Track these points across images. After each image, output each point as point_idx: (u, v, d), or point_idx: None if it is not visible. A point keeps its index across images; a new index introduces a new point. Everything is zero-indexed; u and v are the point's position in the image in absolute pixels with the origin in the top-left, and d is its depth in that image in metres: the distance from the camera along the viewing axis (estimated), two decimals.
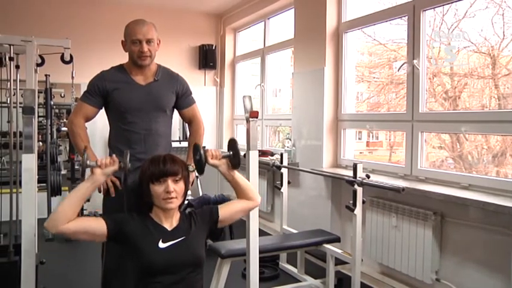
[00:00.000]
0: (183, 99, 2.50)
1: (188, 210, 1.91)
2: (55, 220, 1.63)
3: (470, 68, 3.18)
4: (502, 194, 2.60)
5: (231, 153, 1.97)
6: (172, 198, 1.73)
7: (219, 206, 1.91)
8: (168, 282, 1.71)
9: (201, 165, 1.94)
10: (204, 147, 2.07)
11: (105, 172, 1.74)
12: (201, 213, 1.89)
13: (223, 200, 4.19)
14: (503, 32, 2.90)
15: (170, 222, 1.79)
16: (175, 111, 2.55)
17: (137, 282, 1.73)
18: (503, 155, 3.07)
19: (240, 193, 1.96)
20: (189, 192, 1.90)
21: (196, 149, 1.96)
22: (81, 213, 4.77)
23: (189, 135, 2.65)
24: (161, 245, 1.73)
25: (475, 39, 3.04)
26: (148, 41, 2.30)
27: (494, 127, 2.77)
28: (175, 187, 1.74)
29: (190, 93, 2.55)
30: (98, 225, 1.70)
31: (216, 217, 1.88)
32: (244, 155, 2.29)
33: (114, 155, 1.78)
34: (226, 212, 1.91)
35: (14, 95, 3.55)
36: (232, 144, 1.99)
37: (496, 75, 3.05)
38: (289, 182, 3.78)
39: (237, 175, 1.96)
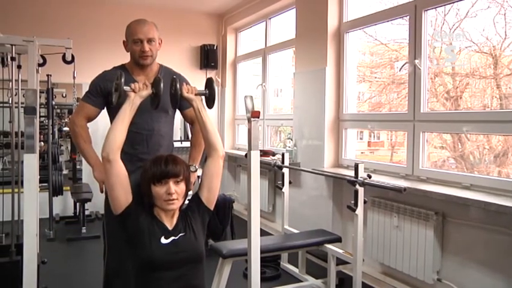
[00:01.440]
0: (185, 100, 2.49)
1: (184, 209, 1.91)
2: (110, 145, 1.73)
3: (472, 68, 3.17)
4: (504, 194, 2.60)
5: (207, 91, 2.00)
6: (173, 199, 1.73)
7: (198, 190, 1.91)
8: (168, 278, 1.72)
9: (175, 98, 1.99)
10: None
11: (140, 95, 1.84)
12: (190, 208, 1.89)
13: (225, 200, 4.19)
14: (505, 31, 2.89)
15: (171, 221, 1.80)
16: (178, 111, 2.55)
17: (138, 279, 1.73)
18: (505, 155, 3.07)
19: (205, 136, 1.94)
20: (190, 192, 1.90)
21: (172, 80, 2.01)
22: (83, 214, 4.81)
23: (192, 135, 2.64)
24: (163, 240, 1.74)
25: (476, 39, 3.04)
26: (150, 41, 2.30)
27: (495, 127, 2.77)
28: (177, 188, 1.74)
29: None
30: (129, 192, 1.75)
31: (200, 202, 1.88)
32: (246, 154, 2.29)
33: (146, 81, 1.90)
34: (204, 189, 1.89)
35: (15, 95, 3.55)
36: (209, 83, 2.01)
37: (498, 75, 3.05)
38: (290, 182, 3.78)
39: (207, 115, 1.95)
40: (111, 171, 1.72)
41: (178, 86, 1.96)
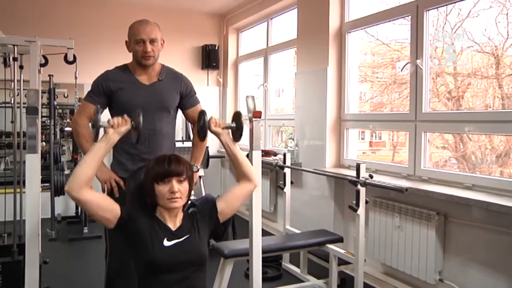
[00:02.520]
0: (187, 99, 2.50)
1: (191, 210, 1.91)
2: (75, 181, 1.63)
3: (474, 68, 3.17)
4: (506, 194, 2.59)
5: (234, 125, 1.98)
6: (176, 198, 1.73)
7: (217, 199, 1.91)
8: (171, 281, 1.71)
9: (203, 131, 1.96)
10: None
11: (118, 131, 1.74)
12: (201, 211, 1.89)
13: None
14: (507, 31, 2.89)
15: (174, 222, 1.79)
16: (180, 111, 2.55)
17: (141, 282, 1.73)
18: (507, 155, 3.06)
19: (238, 168, 1.95)
20: (192, 192, 1.90)
21: (201, 114, 1.98)
22: (84, 214, 4.81)
23: (194, 135, 2.64)
24: (166, 243, 1.73)
25: (478, 39, 3.04)
26: (152, 41, 2.31)
27: (497, 127, 2.76)
28: (180, 187, 1.74)
29: (195, 93, 2.55)
30: (113, 208, 1.71)
31: (214, 211, 1.87)
32: (248, 155, 2.29)
33: (125, 115, 1.80)
34: (224, 202, 1.90)
35: (17, 95, 3.56)
36: (237, 116, 1.99)
37: (500, 75, 3.04)
38: (292, 182, 3.78)
39: (237, 149, 1.96)
40: (80, 204, 1.69)
41: (206, 119, 1.94)
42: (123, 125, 1.76)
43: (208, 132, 1.97)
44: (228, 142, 1.95)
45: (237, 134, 1.98)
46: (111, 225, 1.72)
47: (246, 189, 1.95)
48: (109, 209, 1.70)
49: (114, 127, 1.74)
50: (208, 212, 1.88)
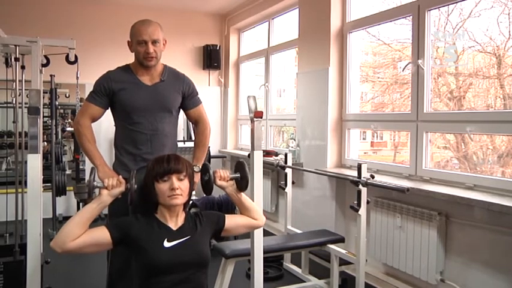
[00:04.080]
0: (189, 100, 2.50)
1: (193, 210, 1.91)
2: (61, 240, 1.63)
3: (476, 68, 3.16)
4: (508, 194, 2.59)
5: (239, 175, 1.99)
6: (177, 195, 1.73)
7: (226, 216, 1.93)
8: (173, 282, 1.71)
9: (209, 186, 1.98)
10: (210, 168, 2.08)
11: (111, 194, 1.74)
12: (208, 216, 1.90)
13: (227, 200, 4.19)
14: (509, 31, 2.88)
15: (175, 222, 1.80)
16: (182, 111, 2.55)
17: (142, 283, 1.73)
18: (508, 155, 3.06)
19: (245, 213, 1.99)
20: (193, 192, 1.90)
21: (205, 169, 2.00)
22: None
23: (195, 135, 2.64)
24: (166, 244, 1.73)
25: (480, 38, 3.03)
26: (154, 42, 2.30)
27: (499, 127, 2.76)
28: (180, 184, 1.75)
29: (197, 93, 2.55)
30: (102, 235, 1.70)
31: (221, 225, 1.90)
32: (249, 155, 2.29)
33: (120, 176, 1.79)
34: (231, 223, 1.93)
35: (19, 95, 3.57)
36: (240, 166, 2.00)
37: (502, 75, 3.04)
38: (293, 182, 3.78)
39: (244, 197, 1.99)
40: (76, 252, 1.68)
41: (211, 174, 1.95)
42: (118, 187, 1.76)
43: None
44: (233, 193, 1.98)
45: (242, 184, 1.99)
46: (111, 247, 1.74)
47: (254, 224, 2.01)
48: (99, 242, 1.70)
49: (108, 189, 1.74)
50: (216, 222, 1.90)
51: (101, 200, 1.73)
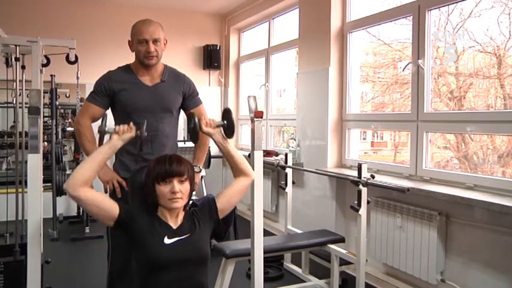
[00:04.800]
0: (189, 100, 2.50)
1: (192, 209, 1.91)
2: (74, 181, 1.67)
3: (476, 68, 3.16)
4: (508, 194, 2.59)
5: (225, 122, 1.98)
6: (177, 198, 1.73)
7: (216, 197, 1.92)
8: (173, 279, 1.72)
9: (195, 133, 1.97)
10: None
11: (122, 138, 1.80)
12: (202, 210, 1.89)
13: None
14: (510, 31, 2.88)
15: (175, 221, 1.80)
16: (182, 111, 2.55)
17: (142, 280, 1.73)
18: (509, 155, 3.06)
19: (234, 165, 1.97)
20: (193, 193, 1.90)
21: (190, 116, 1.99)
22: (86, 213, 4.81)
23: None
24: (167, 241, 1.74)
25: (480, 38, 3.03)
26: (155, 41, 2.30)
27: (499, 127, 2.76)
28: (181, 187, 1.74)
29: (197, 93, 2.55)
30: (111, 206, 1.73)
31: (215, 209, 1.89)
32: (249, 155, 2.29)
33: (131, 123, 1.85)
34: (223, 199, 1.91)
35: (19, 95, 3.57)
36: (227, 113, 2.00)
37: (502, 75, 3.04)
38: (293, 182, 3.78)
39: (231, 146, 1.98)
40: (79, 203, 1.73)
41: (197, 121, 1.95)
42: (128, 132, 1.81)
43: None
44: (220, 141, 1.97)
45: (229, 131, 1.98)
46: (111, 224, 1.74)
47: (244, 183, 1.97)
48: (107, 208, 1.72)
49: (119, 134, 1.79)
50: (208, 211, 1.89)
51: (112, 143, 1.79)
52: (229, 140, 1.98)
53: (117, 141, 1.79)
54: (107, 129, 1.81)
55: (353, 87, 3.99)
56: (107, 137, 1.84)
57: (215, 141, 1.97)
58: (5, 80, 3.61)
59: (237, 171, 1.97)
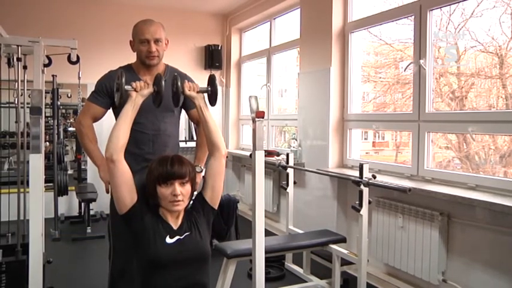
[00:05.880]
0: (191, 100, 2.49)
1: (190, 209, 1.91)
2: (114, 143, 1.72)
3: (478, 68, 3.16)
4: (509, 194, 2.58)
5: (209, 88, 1.97)
6: (179, 201, 1.73)
7: (202, 190, 1.91)
8: (174, 278, 1.72)
9: (177, 96, 1.97)
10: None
11: (141, 94, 1.83)
12: (194, 208, 1.89)
13: (229, 200, 4.20)
14: (511, 31, 2.88)
15: (176, 221, 1.80)
16: (183, 111, 2.55)
17: (143, 280, 1.74)
18: (510, 156, 3.05)
19: (208, 134, 1.93)
20: (194, 192, 1.90)
21: (174, 79, 1.98)
22: (88, 213, 4.83)
23: (197, 136, 2.64)
24: (168, 240, 1.75)
25: (482, 38, 3.03)
26: (157, 41, 2.31)
27: (501, 127, 2.75)
28: (182, 190, 1.74)
29: None
30: (134, 192, 1.76)
31: (203, 201, 1.88)
32: (251, 155, 2.29)
33: (147, 79, 1.89)
34: (207, 189, 1.90)
35: (21, 95, 3.57)
36: (211, 80, 1.98)
37: (504, 75, 3.04)
38: (295, 182, 3.78)
39: (209, 114, 1.95)
40: (115, 171, 1.72)
41: (179, 84, 1.93)
42: (146, 88, 1.84)
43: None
44: (202, 106, 1.94)
45: (212, 98, 1.97)
46: (123, 210, 1.74)
47: (218, 162, 1.92)
48: (132, 191, 1.75)
49: (137, 90, 1.82)
50: (200, 206, 1.89)
51: (133, 101, 1.81)
52: (211, 107, 1.97)
53: (137, 98, 1.82)
54: (125, 87, 1.82)
55: (354, 87, 3.98)
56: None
57: (196, 106, 1.95)
58: (7, 80, 3.61)
59: (210, 144, 1.94)
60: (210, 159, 1.93)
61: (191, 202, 1.88)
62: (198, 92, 1.95)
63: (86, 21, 5.51)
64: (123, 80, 1.82)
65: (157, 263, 1.71)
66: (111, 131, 1.76)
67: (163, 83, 1.85)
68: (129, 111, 1.80)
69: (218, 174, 1.91)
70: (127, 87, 1.83)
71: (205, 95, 1.98)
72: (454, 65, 3.29)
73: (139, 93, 1.82)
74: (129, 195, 1.73)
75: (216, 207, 1.91)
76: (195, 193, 1.92)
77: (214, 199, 1.90)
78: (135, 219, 1.74)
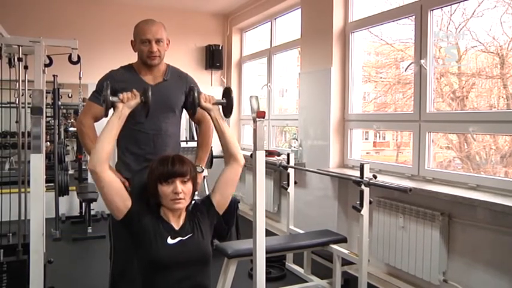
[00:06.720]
0: None
1: (191, 209, 1.91)
2: (97, 156, 1.69)
3: (478, 68, 3.16)
4: (510, 194, 2.58)
5: (224, 100, 1.98)
6: (180, 199, 1.73)
7: (210, 193, 1.91)
8: (175, 279, 1.72)
9: (193, 107, 1.97)
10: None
11: (128, 105, 1.80)
12: (199, 209, 1.89)
13: (231, 201, 4.18)
14: None
15: (177, 222, 1.80)
16: (184, 111, 2.55)
17: (145, 280, 1.74)
18: (511, 156, 3.05)
19: (225, 146, 1.94)
20: (196, 192, 1.90)
21: (190, 90, 1.99)
22: (88, 213, 4.83)
23: (198, 136, 2.64)
24: (170, 241, 1.74)
25: (483, 38, 3.03)
26: (158, 41, 2.30)
27: (502, 127, 2.75)
28: (184, 188, 1.74)
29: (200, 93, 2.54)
30: (126, 196, 1.74)
31: (211, 206, 1.88)
32: (251, 155, 2.29)
33: (134, 90, 1.84)
34: (217, 193, 1.90)
35: (22, 95, 3.57)
36: (227, 92, 2.00)
37: (505, 75, 3.03)
38: (295, 182, 3.78)
39: (226, 126, 1.97)
40: (100, 182, 1.70)
41: (196, 95, 1.94)
42: (133, 98, 1.81)
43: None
44: (218, 118, 1.96)
45: (227, 110, 1.99)
46: (120, 216, 1.73)
47: (234, 171, 1.94)
48: (123, 197, 1.73)
49: (124, 101, 1.79)
50: (205, 208, 1.88)
51: (119, 112, 1.78)
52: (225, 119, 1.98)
53: (123, 109, 1.78)
54: (111, 99, 1.79)
55: (355, 87, 3.98)
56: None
57: (212, 118, 1.97)
58: (8, 80, 3.62)
59: (228, 155, 1.94)
60: (227, 167, 1.94)
61: (193, 202, 1.88)
62: (213, 104, 1.96)
63: (86, 21, 5.51)
64: (108, 91, 1.79)
65: (159, 264, 1.71)
66: (97, 142, 1.74)
67: (150, 94, 1.81)
68: (115, 123, 1.76)
69: (231, 182, 1.93)
70: (113, 98, 1.79)
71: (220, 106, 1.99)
72: (455, 65, 3.29)
73: (126, 105, 1.79)
74: (121, 203, 1.72)
75: (221, 212, 1.91)
76: (196, 193, 1.92)
77: (221, 205, 1.91)
78: (133, 223, 1.74)
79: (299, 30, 4.51)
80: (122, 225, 1.77)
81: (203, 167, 2.49)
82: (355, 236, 3.31)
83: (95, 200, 4.79)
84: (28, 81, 3.61)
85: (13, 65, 3.61)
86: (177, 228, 1.78)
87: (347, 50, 3.99)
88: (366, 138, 4.46)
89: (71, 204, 5.50)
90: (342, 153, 4.04)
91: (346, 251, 3.07)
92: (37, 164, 2.00)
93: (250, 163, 2.21)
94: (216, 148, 5.85)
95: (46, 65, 3.69)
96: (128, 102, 1.79)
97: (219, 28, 6.35)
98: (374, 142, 4.69)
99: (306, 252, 3.47)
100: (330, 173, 3.72)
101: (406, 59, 3.66)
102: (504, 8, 2.87)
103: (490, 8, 2.97)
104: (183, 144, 3.36)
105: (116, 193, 1.72)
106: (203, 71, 6.22)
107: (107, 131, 1.74)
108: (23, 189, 3.46)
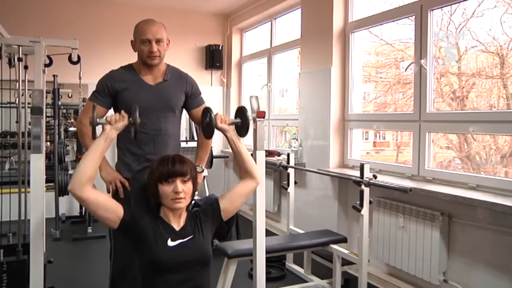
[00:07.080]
0: (192, 100, 2.50)
1: (194, 209, 1.91)
2: (78, 179, 1.64)
3: (479, 68, 3.16)
4: (510, 194, 2.58)
5: (239, 120, 1.99)
6: (180, 198, 1.73)
7: (219, 198, 1.92)
8: (175, 281, 1.72)
9: (210, 129, 1.97)
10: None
11: (115, 127, 1.76)
12: (204, 211, 1.89)
13: None
14: None
15: (178, 222, 1.80)
16: (184, 111, 2.55)
17: (145, 281, 1.73)
18: (511, 156, 3.05)
19: (241, 164, 1.96)
20: (196, 192, 1.90)
21: (206, 111, 1.99)
22: (88, 213, 4.82)
23: (198, 136, 2.64)
24: (170, 243, 1.73)
25: (483, 38, 3.03)
26: (158, 41, 2.31)
27: (502, 127, 2.75)
28: (184, 187, 1.74)
29: (200, 93, 2.54)
30: (116, 208, 1.72)
31: (218, 210, 1.88)
32: (251, 155, 2.29)
33: (122, 111, 1.80)
34: (227, 201, 1.90)
35: (22, 95, 3.57)
36: (241, 112, 2.00)
37: (505, 75, 3.03)
38: (295, 182, 3.78)
39: (241, 145, 1.98)
40: (84, 203, 1.68)
41: (212, 116, 1.94)
42: (120, 121, 1.77)
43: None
44: (233, 138, 1.97)
45: (242, 130, 2.00)
46: (115, 226, 1.73)
47: (249, 186, 1.96)
48: (112, 209, 1.71)
49: (111, 123, 1.75)
50: (211, 211, 1.88)
51: (106, 134, 1.73)
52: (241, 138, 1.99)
53: (110, 131, 1.74)
54: (97, 120, 1.77)
55: (355, 87, 3.98)
56: (98, 130, 1.80)
57: (228, 138, 1.98)
58: (8, 80, 3.62)
59: (244, 172, 1.97)
60: (241, 182, 1.96)
61: (193, 202, 1.88)
62: (229, 125, 1.97)
63: (86, 21, 5.51)
64: (95, 114, 1.77)
65: (159, 265, 1.70)
66: (80, 163, 1.68)
67: (137, 114, 1.78)
68: (101, 144, 1.71)
69: (243, 195, 1.95)
70: (100, 120, 1.77)
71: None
72: (455, 65, 3.29)
73: (113, 127, 1.75)
74: (112, 215, 1.70)
75: (225, 219, 1.91)
76: (196, 193, 1.93)
77: (228, 212, 1.91)
78: (130, 229, 1.73)
79: (299, 30, 4.51)
80: (120, 233, 1.76)
81: (203, 167, 2.49)
82: (355, 236, 3.31)
83: None
84: (28, 81, 3.61)
85: (13, 65, 3.61)
86: (177, 229, 1.78)
87: (347, 50, 3.99)
88: (366, 138, 4.46)
89: (71, 204, 5.50)
90: (342, 153, 4.04)
91: (346, 251, 3.07)
92: (37, 164, 2.00)
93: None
94: (216, 148, 5.89)
95: (46, 65, 3.69)
96: (115, 125, 1.75)
97: (219, 28, 6.35)
98: (374, 142, 4.69)
99: (306, 252, 3.48)
100: (330, 173, 3.72)
101: (406, 59, 3.66)
102: (504, 8, 2.87)
103: (490, 8, 2.97)
104: (183, 144, 3.36)
105: (102, 208, 1.69)
106: (203, 71, 6.22)
107: (92, 151, 1.70)
108: (23, 189, 3.46)
